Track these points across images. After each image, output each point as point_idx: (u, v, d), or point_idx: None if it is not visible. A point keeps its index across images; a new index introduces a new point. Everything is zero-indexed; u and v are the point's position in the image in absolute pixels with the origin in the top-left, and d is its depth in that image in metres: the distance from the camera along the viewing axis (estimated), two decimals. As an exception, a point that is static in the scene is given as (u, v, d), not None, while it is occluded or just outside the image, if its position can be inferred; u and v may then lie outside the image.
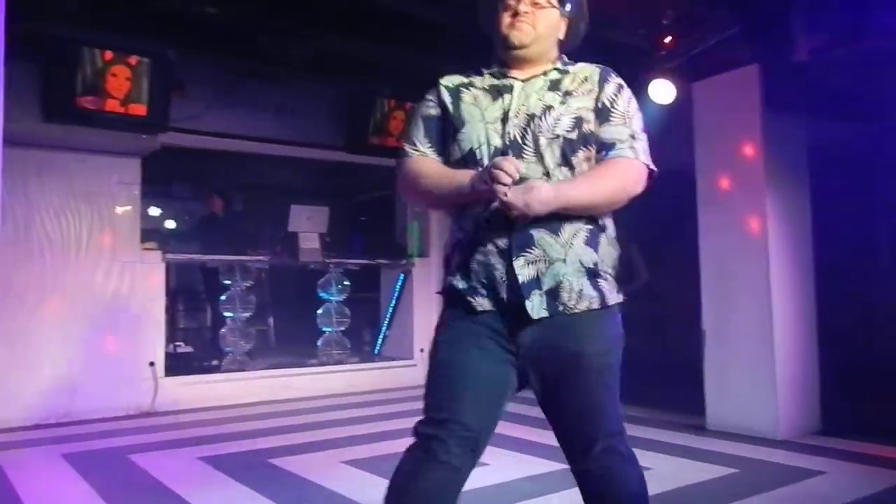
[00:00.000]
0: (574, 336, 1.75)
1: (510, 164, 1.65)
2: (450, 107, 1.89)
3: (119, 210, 5.71)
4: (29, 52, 4.77)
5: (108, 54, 5.05)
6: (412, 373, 7.18)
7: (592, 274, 1.78)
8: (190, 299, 7.86)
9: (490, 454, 4.13)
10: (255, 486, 3.58)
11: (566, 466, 3.69)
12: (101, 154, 5.59)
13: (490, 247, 1.76)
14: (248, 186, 8.97)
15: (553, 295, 1.74)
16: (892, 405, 5.76)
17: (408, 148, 1.93)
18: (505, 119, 1.82)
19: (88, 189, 5.56)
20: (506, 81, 1.88)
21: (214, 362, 6.46)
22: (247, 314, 6.61)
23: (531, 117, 1.80)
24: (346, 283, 7.16)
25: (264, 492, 3.47)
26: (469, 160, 1.82)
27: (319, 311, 7.09)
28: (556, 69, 1.89)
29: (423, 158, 1.90)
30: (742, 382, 4.71)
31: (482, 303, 1.77)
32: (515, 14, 1.84)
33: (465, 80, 1.94)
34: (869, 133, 5.54)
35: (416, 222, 7.64)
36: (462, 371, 1.76)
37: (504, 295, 1.75)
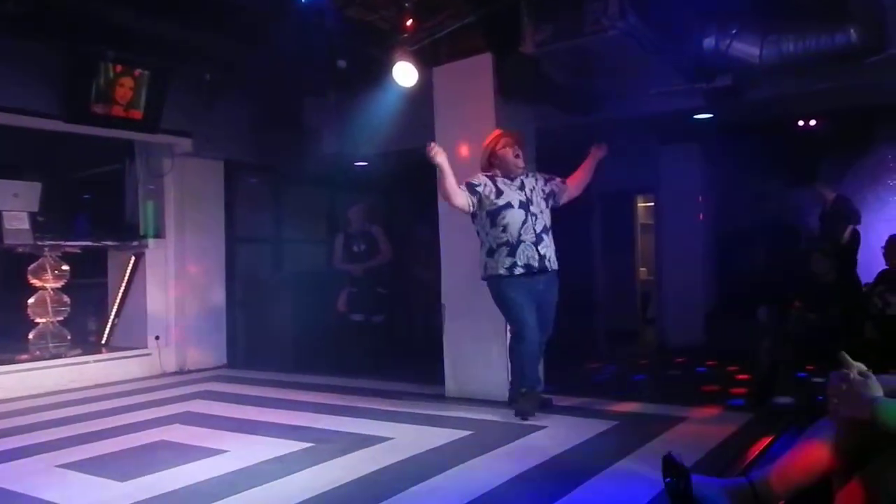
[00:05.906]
0: None
1: None
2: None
3: None
4: None
5: None
6: (146, 362, 6.62)
7: None
8: None
9: (230, 440, 3.96)
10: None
11: (309, 444, 3.61)
12: None
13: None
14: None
15: None
16: (602, 365, 6.61)
17: None
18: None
19: None
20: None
21: None
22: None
23: None
24: (64, 267, 6.36)
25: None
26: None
27: (31, 301, 6.24)
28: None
29: None
30: (476, 352, 5.03)
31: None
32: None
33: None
34: (585, 123, 6.16)
35: (151, 201, 7.01)
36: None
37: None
